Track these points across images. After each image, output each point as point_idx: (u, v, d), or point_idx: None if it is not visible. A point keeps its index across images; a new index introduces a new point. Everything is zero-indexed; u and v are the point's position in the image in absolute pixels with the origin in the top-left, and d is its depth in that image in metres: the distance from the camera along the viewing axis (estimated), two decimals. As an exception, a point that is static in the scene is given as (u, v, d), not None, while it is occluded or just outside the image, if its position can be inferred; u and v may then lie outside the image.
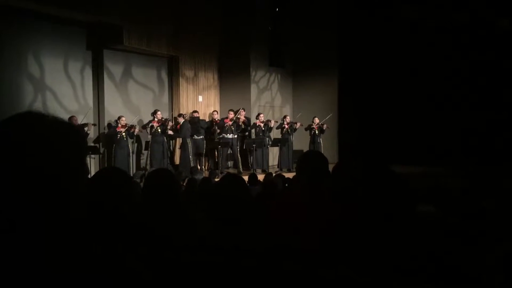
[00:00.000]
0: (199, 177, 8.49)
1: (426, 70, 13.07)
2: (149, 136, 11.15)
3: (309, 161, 2.41)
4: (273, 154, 13.17)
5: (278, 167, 12.31)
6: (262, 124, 12.04)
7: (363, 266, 1.76)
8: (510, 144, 11.65)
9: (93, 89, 11.09)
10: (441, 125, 12.90)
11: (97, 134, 11.03)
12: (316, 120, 12.51)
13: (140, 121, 11.72)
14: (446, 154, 11.99)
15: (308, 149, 11.91)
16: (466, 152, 11.99)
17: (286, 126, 12.36)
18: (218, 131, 11.78)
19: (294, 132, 12.49)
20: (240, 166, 11.88)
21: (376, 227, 1.62)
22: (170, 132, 11.26)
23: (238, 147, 11.93)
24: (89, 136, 10.31)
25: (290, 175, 8.04)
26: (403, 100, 13.37)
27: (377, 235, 1.64)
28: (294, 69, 14.75)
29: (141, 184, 5.12)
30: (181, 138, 11.51)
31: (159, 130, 11.02)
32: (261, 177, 8.38)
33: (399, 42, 13.18)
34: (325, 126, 12.48)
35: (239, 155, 11.96)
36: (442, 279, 2.09)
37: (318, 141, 12.41)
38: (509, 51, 12.16)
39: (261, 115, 12.32)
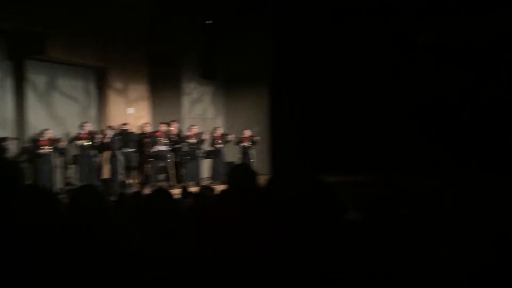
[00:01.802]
0: (129, 191, 8.29)
1: (357, 81, 13.60)
2: (77, 150, 10.77)
3: (237, 175, 2.45)
4: (206, 167, 13.14)
5: (211, 179, 12.28)
6: (193, 137, 11.99)
7: (292, 276, 1.81)
8: (433, 153, 12.40)
9: (14, 101, 10.53)
10: (370, 134, 13.43)
11: (19, 148, 10.47)
12: (246, 133, 12.63)
13: (67, 134, 11.29)
14: (374, 164, 12.47)
15: (240, 161, 12.03)
16: (393, 161, 12.55)
17: (217, 138, 12.39)
18: (150, 144, 11.58)
19: (226, 143, 12.54)
20: (172, 179, 11.73)
21: (304, 238, 1.67)
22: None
23: (170, 160, 11.78)
24: (10, 151, 9.76)
25: (223, 187, 8.05)
26: (334, 110, 13.82)
27: (305, 246, 1.70)
28: (227, 81, 14.84)
29: (67, 199, 4.91)
30: (109, 152, 11.19)
31: (88, 143, 10.69)
32: (193, 190, 8.32)
33: (330, 55, 13.65)
34: (256, 138, 12.64)
35: (171, 168, 11.81)
36: (370, 281, 2.19)
37: (249, 152, 12.54)
38: (428, 63, 13.06)
39: (194, 127, 12.26)
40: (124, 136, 11.35)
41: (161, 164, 11.71)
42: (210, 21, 13.87)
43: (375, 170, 11.79)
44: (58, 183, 10.66)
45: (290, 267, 1.86)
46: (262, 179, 2.64)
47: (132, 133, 11.73)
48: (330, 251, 2.01)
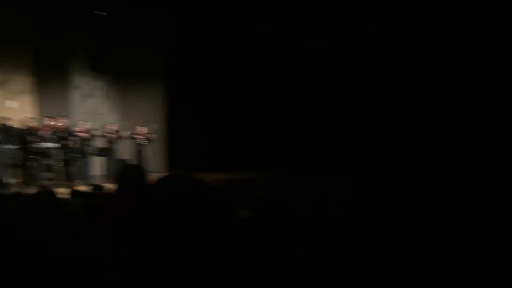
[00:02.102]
0: (10, 191, 7.74)
1: (262, 77, 13.62)
2: None
3: (125, 174, 2.41)
4: (98, 165, 12.61)
5: (104, 178, 11.84)
6: (84, 133, 11.45)
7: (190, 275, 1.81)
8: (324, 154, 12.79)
9: None
10: (266, 133, 13.54)
11: None
12: (141, 130, 12.35)
13: None
14: (269, 161, 12.66)
15: (134, 159, 11.78)
16: (285, 160, 12.83)
17: (108, 135, 11.96)
18: (34, 140, 10.85)
19: (119, 140, 12.15)
20: (60, 178, 11.10)
21: (193, 239, 1.69)
22: None
23: (57, 157, 11.14)
24: None
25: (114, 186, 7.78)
26: (233, 107, 13.80)
27: (195, 246, 1.71)
28: (122, 76, 14.33)
29: None
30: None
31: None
32: (83, 189, 7.96)
33: (229, 50, 13.64)
34: (150, 135, 12.42)
35: (59, 165, 11.18)
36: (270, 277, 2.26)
37: (143, 150, 12.30)
38: (318, 64, 13.49)
39: (83, 123, 11.72)
40: (5, 131, 10.53)
41: (47, 161, 11.03)
42: (104, 13, 13.27)
43: (275, 168, 11.90)
44: None
45: (182, 269, 1.86)
46: (154, 178, 2.61)
47: (14, 128, 10.91)
48: (222, 249, 2.05)
